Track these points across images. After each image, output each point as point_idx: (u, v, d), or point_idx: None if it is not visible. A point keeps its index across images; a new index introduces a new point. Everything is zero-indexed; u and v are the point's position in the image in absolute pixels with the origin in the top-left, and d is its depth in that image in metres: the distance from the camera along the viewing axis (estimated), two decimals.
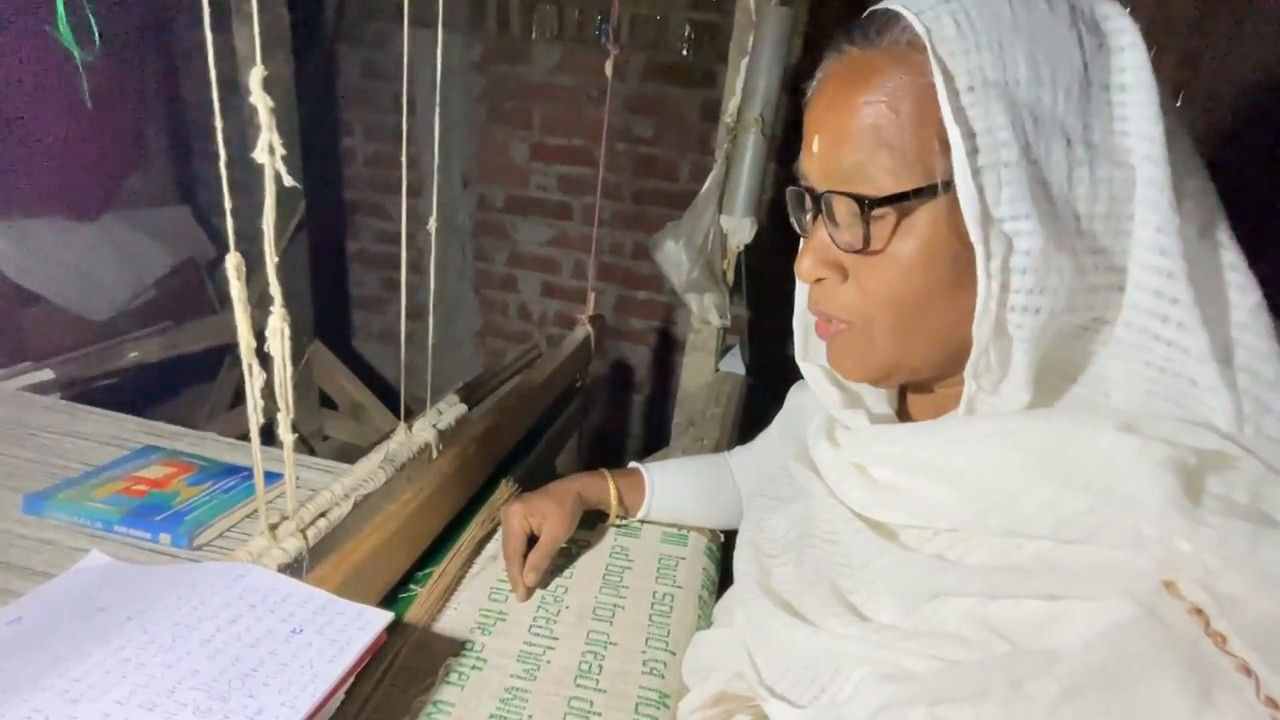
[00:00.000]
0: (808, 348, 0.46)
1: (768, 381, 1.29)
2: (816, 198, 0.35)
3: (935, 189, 0.31)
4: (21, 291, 1.32)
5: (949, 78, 0.30)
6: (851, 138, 0.33)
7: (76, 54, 0.36)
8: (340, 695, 0.38)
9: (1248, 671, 0.23)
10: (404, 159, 0.58)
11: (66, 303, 1.38)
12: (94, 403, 0.81)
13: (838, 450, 0.40)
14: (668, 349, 1.83)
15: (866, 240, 0.33)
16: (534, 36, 1.64)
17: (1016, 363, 0.32)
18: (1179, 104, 1.30)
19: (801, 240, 0.45)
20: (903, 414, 0.44)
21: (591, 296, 1.11)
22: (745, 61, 0.96)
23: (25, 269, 1.33)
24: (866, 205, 0.32)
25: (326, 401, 1.70)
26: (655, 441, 1.84)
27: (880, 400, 0.42)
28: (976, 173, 0.29)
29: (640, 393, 1.90)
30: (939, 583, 0.31)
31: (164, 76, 1.71)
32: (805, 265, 0.36)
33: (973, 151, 0.29)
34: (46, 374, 0.94)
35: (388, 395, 1.78)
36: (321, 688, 0.37)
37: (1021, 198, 0.29)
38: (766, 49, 0.93)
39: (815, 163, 0.35)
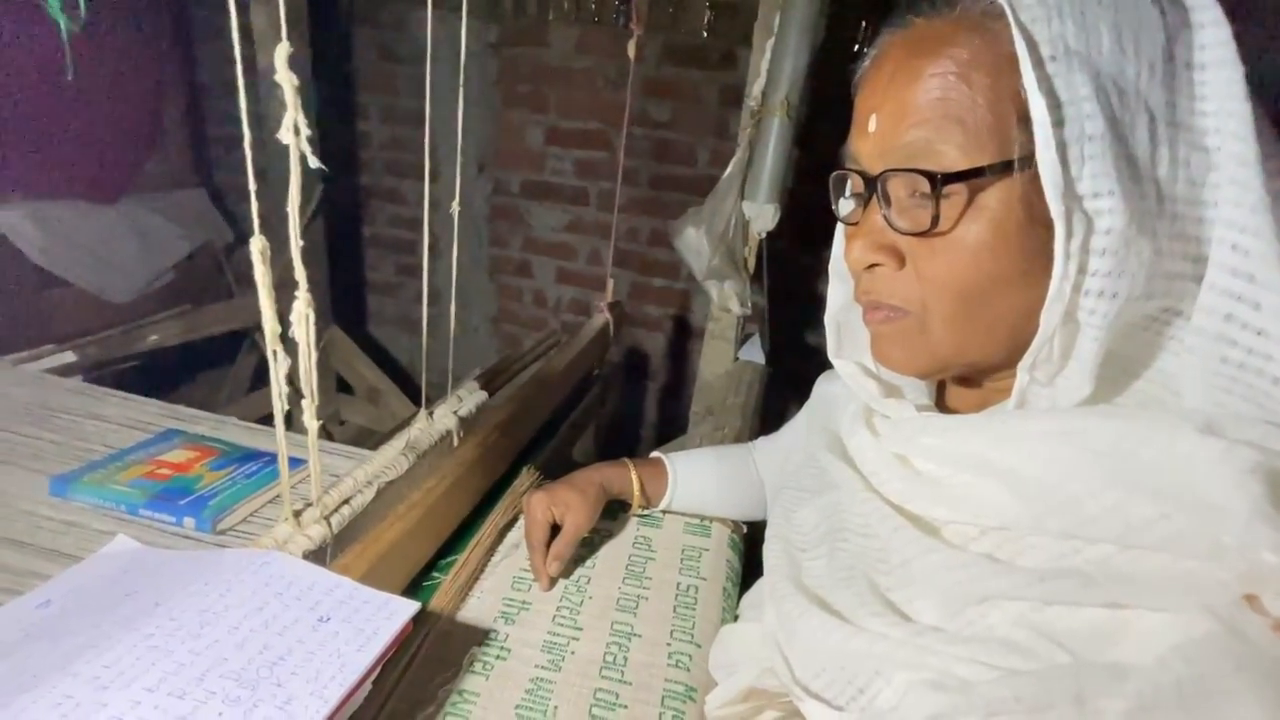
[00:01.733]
0: (840, 345, 0.45)
1: (787, 371, 1.28)
2: (870, 180, 0.34)
3: (1010, 165, 0.29)
4: (43, 274, 1.33)
5: (1031, 45, 0.28)
6: (918, 112, 0.31)
7: (63, 24, 0.35)
8: (368, 685, 0.38)
9: None
10: (426, 143, 0.57)
11: (87, 285, 1.39)
12: (114, 385, 0.81)
13: (878, 439, 0.39)
14: (684, 337, 1.82)
15: (935, 220, 0.31)
16: (551, 18, 1.61)
17: (1084, 352, 0.30)
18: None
19: (840, 230, 0.43)
20: (941, 408, 0.42)
21: (610, 283, 1.09)
22: (771, 42, 0.94)
23: (46, 251, 1.33)
24: (939, 182, 0.30)
25: (343, 386, 1.71)
26: (670, 430, 1.83)
27: (921, 392, 0.40)
28: (1060, 146, 0.28)
29: (655, 381, 1.89)
30: (990, 586, 0.29)
31: (180, 60, 1.71)
32: (857, 252, 0.34)
33: (1057, 123, 0.27)
34: (69, 356, 0.95)
35: (402, 380, 1.78)
36: (350, 677, 0.36)
37: (1106, 173, 0.28)
38: (794, 29, 0.91)
39: (872, 142, 0.34)
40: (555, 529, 0.58)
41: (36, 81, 1.29)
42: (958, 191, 0.30)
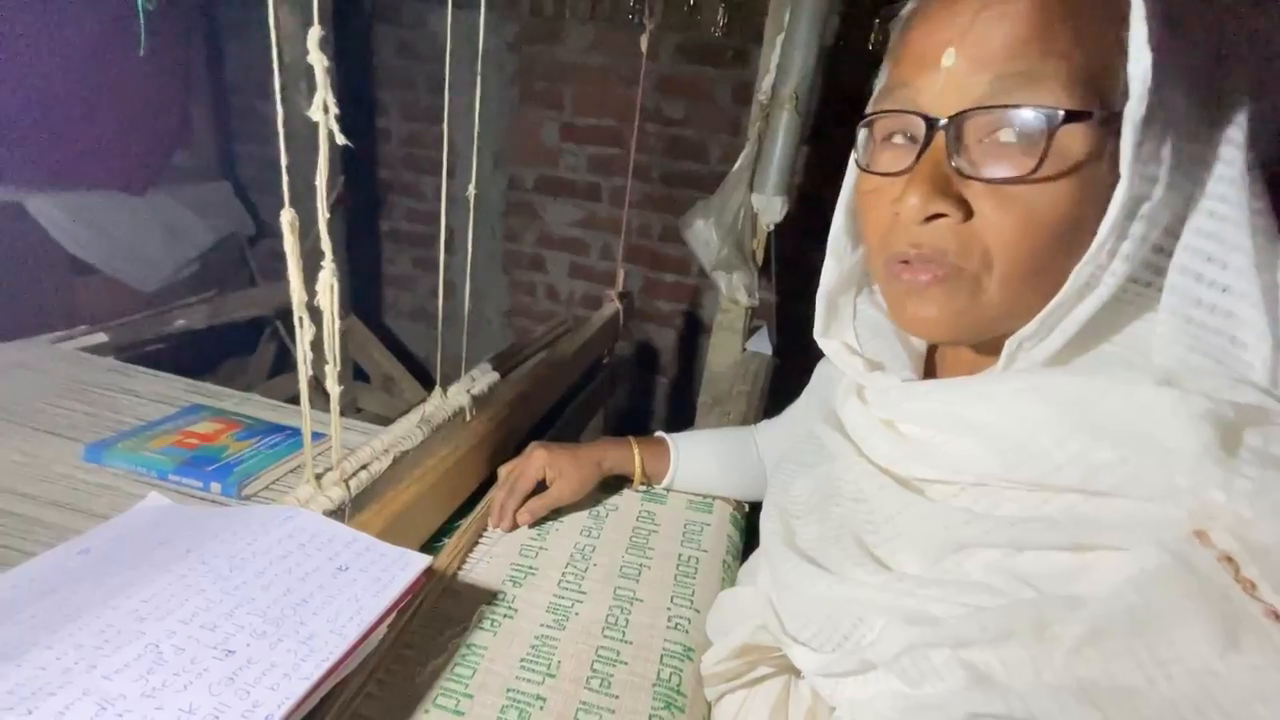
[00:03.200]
0: (829, 324, 0.46)
1: (795, 364, 1.29)
2: (936, 123, 0.31)
3: (1111, 116, 0.28)
4: (76, 261, 1.38)
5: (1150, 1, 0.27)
6: (1015, 44, 0.28)
7: (140, 3, 0.38)
8: (383, 629, 0.40)
9: (1277, 617, 0.23)
10: (445, 139, 0.60)
11: (116, 273, 1.44)
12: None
13: (866, 408, 0.40)
14: (694, 332, 1.84)
15: (1041, 160, 0.28)
16: (568, 17, 1.64)
17: (1079, 314, 0.30)
18: None
19: (842, 206, 0.44)
20: (929, 375, 0.44)
21: (621, 273, 1.12)
22: (781, 37, 0.96)
23: (79, 240, 1.38)
24: (1061, 119, 0.27)
25: (359, 376, 1.75)
26: (679, 424, 1.84)
27: (904, 366, 0.42)
28: (1151, 110, 0.27)
29: (665, 375, 1.91)
30: (965, 534, 0.31)
31: (207, 58, 1.76)
32: (916, 199, 0.31)
33: (1157, 87, 0.26)
34: (101, 337, 0.99)
35: (417, 371, 1.82)
36: (367, 618, 0.39)
37: (1165, 145, 0.28)
38: (803, 24, 0.92)
39: (946, 78, 0.30)
40: (543, 487, 0.61)
41: (70, 78, 1.34)
42: (1061, 135, 0.28)
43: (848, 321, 0.45)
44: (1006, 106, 0.29)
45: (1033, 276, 0.31)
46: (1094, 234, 0.29)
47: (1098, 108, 0.28)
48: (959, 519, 0.31)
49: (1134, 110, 0.27)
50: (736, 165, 1.03)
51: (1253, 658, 0.23)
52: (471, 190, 0.63)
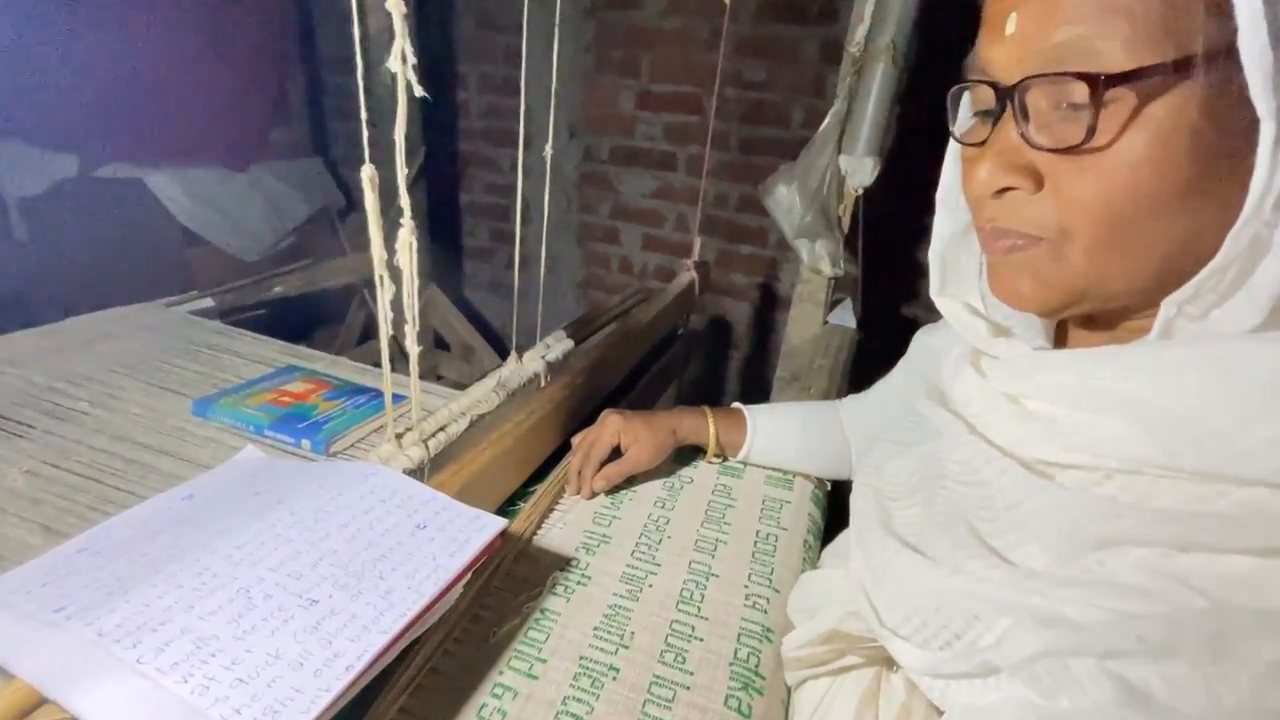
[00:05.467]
0: (945, 283, 0.42)
1: (879, 340, 1.22)
2: (1005, 92, 0.30)
3: (1190, 63, 0.25)
4: (187, 233, 1.49)
5: None
6: (1073, 4, 0.27)
7: None
8: (459, 588, 0.40)
9: None
10: (521, 110, 0.58)
11: (223, 244, 1.54)
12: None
13: (985, 380, 0.36)
14: (770, 306, 1.77)
15: (1090, 132, 0.27)
16: None
17: (1264, 280, 0.26)
18: None
19: (952, 155, 0.40)
20: (1060, 346, 0.39)
21: (697, 242, 1.08)
22: None
23: (190, 213, 1.49)
24: (1102, 84, 0.26)
25: (440, 344, 1.81)
26: (754, 400, 1.80)
27: (1036, 333, 0.37)
28: (1274, 28, 0.23)
29: (740, 350, 1.87)
30: (1111, 529, 0.27)
31: (300, 39, 1.84)
32: (985, 174, 0.30)
33: (1271, 2, 0.23)
34: (208, 302, 1.06)
35: (495, 341, 1.86)
36: (443, 577, 0.39)
37: None
38: None
39: (1009, 46, 0.29)
40: (617, 454, 0.60)
41: (180, 63, 1.44)
42: (1120, 97, 0.26)
43: (971, 280, 0.40)
44: (1055, 75, 0.27)
45: (1121, 243, 0.28)
46: (1236, 189, 0.25)
47: (1174, 58, 0.25)
48: (1103, 510, 0.27)
49: (1251, 37, 0.23)
50: (824, 124, 0.96)
51: None
52: (549, 150, 0.61)
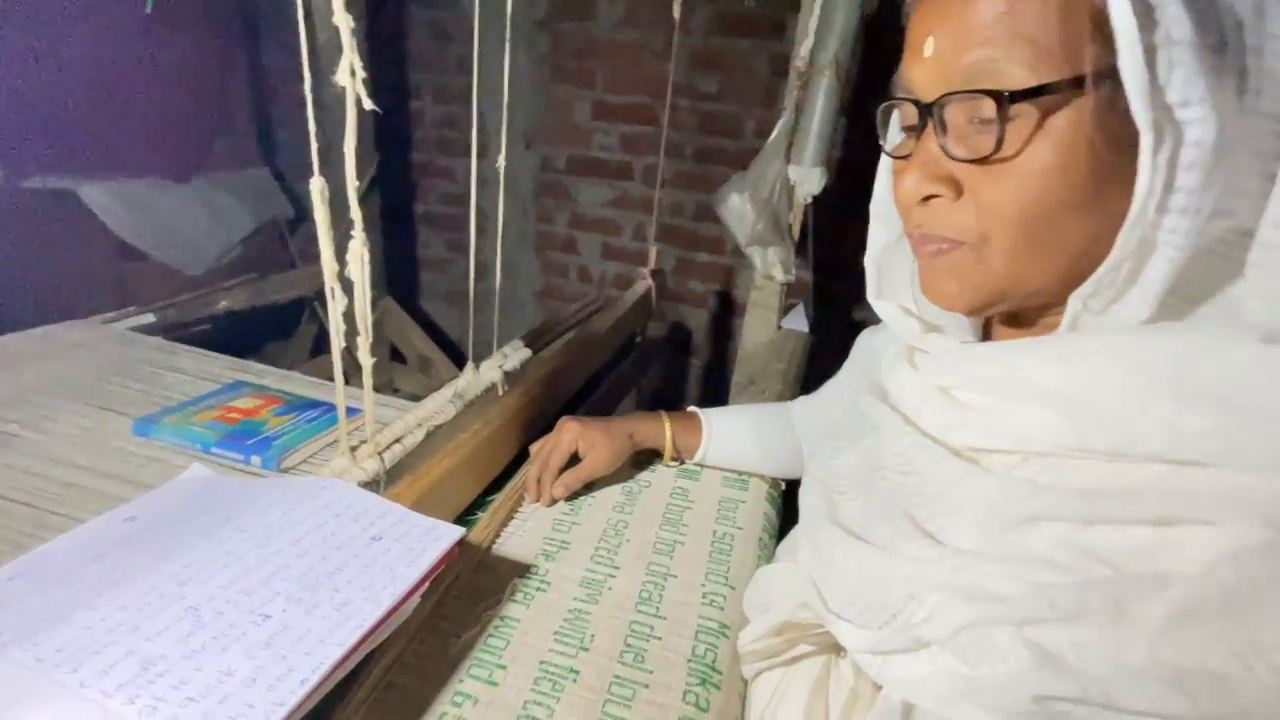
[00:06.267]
0: (881, 286, 0.45)
1: (831, 342, 1.26)
2: (926, 108, 0.32)
3: (1083, 81, 0.28)
4: (125, 247, 1.43)
5: None
6: (982, 29, 0.29)
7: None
8: (416, 599, 0.40)
9: None
10: (474, 120, 0.59)
11: (163, 258, 1.49)
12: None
13: (919, 374, 0.38)
14: (727, 312, 1.81)
15: (999, 144, 0.29)
16: None
17: (1154, 275, 0.29)
18: None
19: (884, 168, 0.43)
20: (987, 340, 0.41)
21: (652, 251, 1.10)
22: (820, 1, 0.91)
23: (128, 226, 1.43)
24: (1006, 100, 0.29)
25: (396, 356, 1.78)
26: (713, 405, 1.83)
27: (965, 329, 0.40)
28: (1148, 51, 0.26)
29: (698, 356, 1.89)
30: (1029, 507, 0.29)
31: (245, 47, 1.79)
32: (910, 184, 0.33)
33: (1143, 28, 0.26)
34: (149, 318, 1.02)
35: (452, 352, 1.84)
36: (400, 588, 0.39)
37: (1194, 81, 0.26)
38: None
39: (928, 66, 0.32)
40: (575, 460, 0.61)
41: (116, 69, 1.38)
42: (1025, 113, 0.29)
43: (904, 283, 0.43)
44: (961, 93, 0.30)
45: (1036, 245, 0.31)
46: (1127, 194, 0.28)
47: (1069, 76, 0.28)
48: (1022, 491, 0.29)
49: (1128, 59, 0.26)
50: (773, 135, 0.99)
51: None
52: (501, 161, 0.62)
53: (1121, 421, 0.27)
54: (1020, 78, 0.28)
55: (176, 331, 1.11)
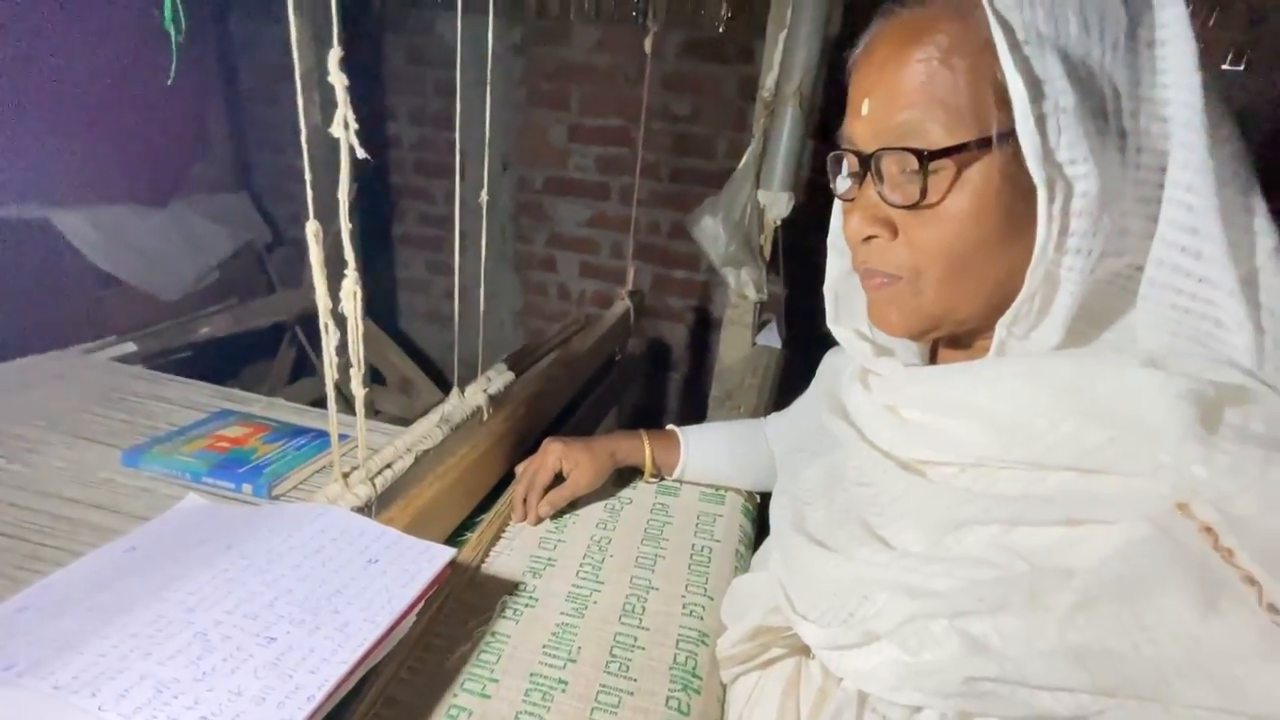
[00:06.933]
0: (838, 313, 0.48)
1: (803, 355, 1.30)
2: (865, 159, 0.37)
3: (989, 141, 0.32)
4: (100, 274, 1.42)
5: (1007, 30, 0.31)
6: (906, 95, 0.34)
7: (173, 35, 0.40)
8: (412, 618, 0.42)
9: (1252, 582, 0.25)
10: (457, 144, 0.62)
11: (139, 283, 1.48)
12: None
13: (870, 394, 0.42)
14: (704, 327, 1.85)
15: (923, 193, 0.34)
16: (573, 17, 1.66)
17: (1060, 306, 0.33)
18: (1244, 65, 1.25)
19: (838, 207, 0.47)
20: (933, 363, 0.46)
21: (630, 271, 1.14)
22: (784, 34, 0.97)
23: (104, 252, 1.42)
24: (925, 158, 0.33)
25: (376, 378, 1.78)
26: (692, 419, 1.85)
27: (911, 353, 0.44)
28: (1039, 119, 0.30)
29: (677, 371, 1.93)
30: (964, 513, 0.33)
31: (222, 71, 1.80)
32: (854, 225, 0.37)
33: (1034, 99, 0.30)
34: (129, 346, 1.02)
35: (433, 373, 1.85)
36: (397, 608, 0.41)
37: (1078, 142, 0.31)
38: (805, 20, 0.93)
39: (865, 124, 0.36)
40: (560, 479, 0.64)
41: (92, 96, 1.38)
42: (944, 166, 0.33)
43: (859, 310, 0.47)
44: (892, 149, 0.35)
45: (961, 278, 0.36)
46: (1034, 235, 0.32)
47: (977, 137, 0.32)
48: (958, 498, 0.33)
49: (1022, 126, 0.31)
50: (742, 162, 1.04)
51: (1230, 620, 0.25)
52: (484, 196, 0.65)
53: (1037, 436, 0.32)
54: (938, 137, 0.33)
55: (157, 359, 1.11)
